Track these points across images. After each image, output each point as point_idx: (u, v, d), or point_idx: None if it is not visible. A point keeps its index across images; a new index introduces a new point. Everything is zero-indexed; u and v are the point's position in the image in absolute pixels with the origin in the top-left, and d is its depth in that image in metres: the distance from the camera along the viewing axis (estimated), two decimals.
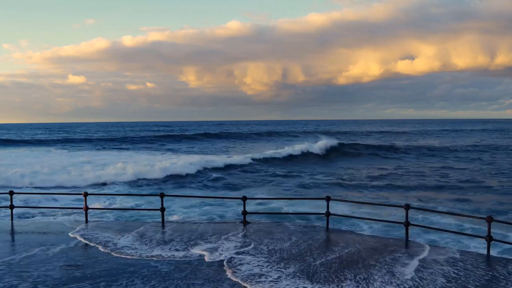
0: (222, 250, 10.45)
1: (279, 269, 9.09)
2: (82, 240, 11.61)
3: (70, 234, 12.24)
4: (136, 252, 10.46)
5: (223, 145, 73.95)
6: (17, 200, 21.94)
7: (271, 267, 9.19)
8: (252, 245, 10.85)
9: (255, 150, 57.53)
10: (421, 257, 9.93)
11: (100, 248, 10.81)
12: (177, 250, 10.58)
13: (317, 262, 9.49)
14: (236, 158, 43.48)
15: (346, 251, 10.36)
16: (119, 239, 11.60)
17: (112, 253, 10.33)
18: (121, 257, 10.06)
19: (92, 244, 11.14)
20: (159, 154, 53.38)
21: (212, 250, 10.47)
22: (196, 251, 10.44)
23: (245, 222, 13.12)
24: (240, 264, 9.40)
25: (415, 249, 10.61)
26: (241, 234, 11.98)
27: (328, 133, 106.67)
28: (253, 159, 43.62)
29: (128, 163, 38.13)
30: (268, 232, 12.03)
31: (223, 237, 11.60)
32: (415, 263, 9.50)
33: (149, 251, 10.48)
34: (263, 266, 9.30)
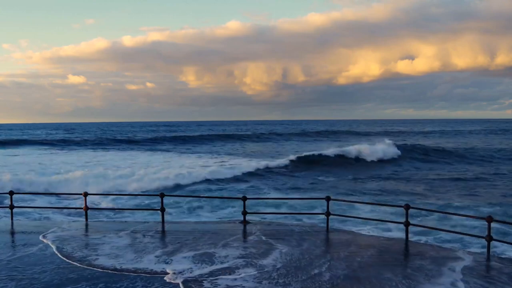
0: (216, 262, 9.36)
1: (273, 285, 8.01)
2: (50, 244, 10.75)
3: (41, 237, 11.47)
4: (112, 262, 9.40)
5: (276, 145, 72.34)
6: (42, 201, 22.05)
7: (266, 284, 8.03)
8: (249, 254, 9.96)
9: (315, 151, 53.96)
10: (447, 266, 9.04)
11: (60, 254, 9.97)
12: (163, 262, 9.43)
13: (325, 277, 8.36)
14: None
15: (358, 259, 9.51)
16: (101, 244, 10.85)
17: (76, 263, 9.31)
18: (88, 268, 8.99)
19: (55, 250, 10.29)
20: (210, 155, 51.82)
21: (204, 260, 9.48)
22: (186, 263, 9.30)
23: (245, 222, 13.12)
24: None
25: (432, 253, 10.12)
26: (240, 238, 11.56)
27: (360, 134, 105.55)
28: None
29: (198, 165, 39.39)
30: (266, 234, 11.90)
31: (221, 243, 10.87)
32: (445, 277, 8.37)
33: (129, 263, 9.39)
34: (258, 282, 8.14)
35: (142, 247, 10.61)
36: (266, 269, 8.91)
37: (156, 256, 9.86)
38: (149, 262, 9.44)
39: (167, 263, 9.39)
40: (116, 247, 10.60)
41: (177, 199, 21.98)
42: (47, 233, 11.97)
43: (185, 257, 9.76)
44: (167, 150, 60.43)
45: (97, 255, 9.99)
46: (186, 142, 77.21)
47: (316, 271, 8.77)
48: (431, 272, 8.72)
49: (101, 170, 33.56)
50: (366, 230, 16.22)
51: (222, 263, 9.39)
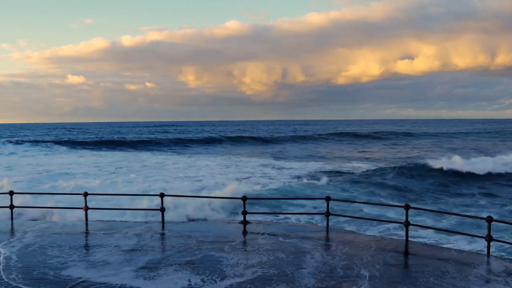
0: (228, 275, 8.13)
1: None
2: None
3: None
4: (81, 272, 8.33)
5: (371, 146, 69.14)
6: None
7: None
8: (263, 261, 9.08)
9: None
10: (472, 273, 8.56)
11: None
12: (146, 275, 8.14)
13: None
14: None
15: (372, 265, 8.87)
16: (85, 247, 10.31)
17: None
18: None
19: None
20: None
21: (209, 271, 8.38)
22: (183, 275, 8.16)
23: (245, 222, 13.12)
24: None
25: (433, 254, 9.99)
26: (241, 243, 10.99)
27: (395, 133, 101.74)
28: None
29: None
30: (271, 235, 11.79)
31: (226, 246, 10.23)
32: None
33: (102, 276, 8.13)
34: None
35: (132, 251, 10.00)
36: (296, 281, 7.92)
37: (141, 268, 8.72)
38: (129, 276, 8.22)
39: (153, 278, 8.10)
40: (102, 251, 10.03)
41: None
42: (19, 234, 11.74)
43: (183, 266, 8.82)
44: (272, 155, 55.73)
45: (79, 260, 9.38)
46: (267, 143, 75.83)
47: (359, 278, 8.13)
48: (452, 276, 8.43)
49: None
50: (364, 229, 16.22)
51: (235, 275, 8.16)
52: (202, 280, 7.94)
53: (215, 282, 7.80)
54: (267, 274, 8.29)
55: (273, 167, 40.40)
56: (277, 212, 20.46)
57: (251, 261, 9.18)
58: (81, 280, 8.08)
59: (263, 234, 11.82)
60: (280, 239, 11.19)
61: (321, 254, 9.83)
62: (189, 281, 7.87)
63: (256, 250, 10.08)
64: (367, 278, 8.16)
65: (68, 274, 8.43)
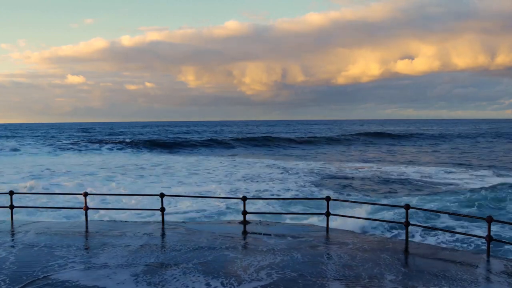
0: (245, 280, 7.81)
1: None
2: None
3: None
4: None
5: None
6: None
7: None
8: (276, 262, 8.96)
9: None
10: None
11: None
12: (147, 280, 7.78)
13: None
14: None
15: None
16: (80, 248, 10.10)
17: None
18: None
19: None
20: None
21: (222, 274, 8.02)
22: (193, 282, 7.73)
23: (245, 222, 13.13)
24: None
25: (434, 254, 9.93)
26: (245, 243, 10.96)
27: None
28: None
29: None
30: (275, 235, 11.76)
31: (234, 247, 10.09)
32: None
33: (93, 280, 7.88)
34: None
35: (129, 255, 9.78)
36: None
37: (147, 265, 8.62)
38: (130, 279, 7.91)
39: (159, 283, 7.74)
40: (105, 253, 9.90)
41: None
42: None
43: (192, 267, 8.60)
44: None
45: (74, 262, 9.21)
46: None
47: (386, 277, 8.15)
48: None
49: None
50: (365, 229, 16.21)
51: (251, 279, 7.90)
52: (222, 283, 7.78)
53: (233, 287, 7.66)
54: (288, 277, 8.16)
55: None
56: (277, 212, 20.44)
57: (263, 262, 9.06)
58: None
59: (266, 234, 11.81)
60: (289, 239, 11.16)
61: (335, 253, 9.79)
62: (208, 284, 7.77)
63: (271, 251, 9.96)
64: (389, 280, 8.04)
65: (62, 277, 8.24)
